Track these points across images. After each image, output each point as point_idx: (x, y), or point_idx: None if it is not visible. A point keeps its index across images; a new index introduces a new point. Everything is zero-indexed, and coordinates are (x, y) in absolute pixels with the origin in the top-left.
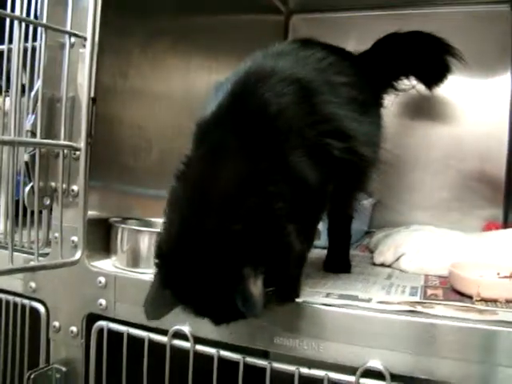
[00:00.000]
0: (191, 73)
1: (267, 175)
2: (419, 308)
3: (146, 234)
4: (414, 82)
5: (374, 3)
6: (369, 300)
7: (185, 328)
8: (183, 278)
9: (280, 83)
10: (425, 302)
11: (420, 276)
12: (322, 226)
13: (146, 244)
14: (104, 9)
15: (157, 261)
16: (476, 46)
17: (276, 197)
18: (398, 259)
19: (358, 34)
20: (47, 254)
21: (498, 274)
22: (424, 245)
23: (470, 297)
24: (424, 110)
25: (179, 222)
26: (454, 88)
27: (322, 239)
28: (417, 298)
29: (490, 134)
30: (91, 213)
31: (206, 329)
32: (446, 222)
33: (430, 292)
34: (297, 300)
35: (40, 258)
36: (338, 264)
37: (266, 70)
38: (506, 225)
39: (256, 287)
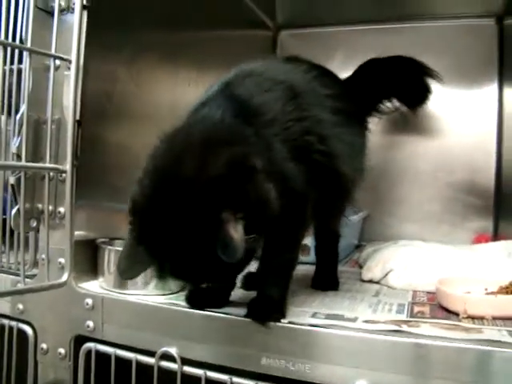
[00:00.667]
0: (178, 88)
1: (247, 137)
2: (405, 327)
3: None
4: (396, 104)
5: (361, 18)
6: (355, 319)
7: (172, 349)
8: (158, 231)
9: (267, 81)
10: (410, 321)
11: (408, 292)
12: (310, 242)
13: None
14: (89, 29)
15: (130, 217)
16: (462, 58)
17: (256, 152)
18: (386, 275)
19: (345, 49)
20: (35, 276)
21: (486, 289)
22: (412, 260)
23: (456, 314)
24: (411, 124)
25: (154, 173)
26: (441, 101)
27: (311, 255)
28: (403, 316)
29: (477, 145)
30: (78, 233)
31: (194, 350)
32: (436, 234)
33: (416, 309)
34: (282, 320)
35: (27, 280)
36: (326, 281)
37: (255, 71)
38: (496, 237)
39: (236, 231)
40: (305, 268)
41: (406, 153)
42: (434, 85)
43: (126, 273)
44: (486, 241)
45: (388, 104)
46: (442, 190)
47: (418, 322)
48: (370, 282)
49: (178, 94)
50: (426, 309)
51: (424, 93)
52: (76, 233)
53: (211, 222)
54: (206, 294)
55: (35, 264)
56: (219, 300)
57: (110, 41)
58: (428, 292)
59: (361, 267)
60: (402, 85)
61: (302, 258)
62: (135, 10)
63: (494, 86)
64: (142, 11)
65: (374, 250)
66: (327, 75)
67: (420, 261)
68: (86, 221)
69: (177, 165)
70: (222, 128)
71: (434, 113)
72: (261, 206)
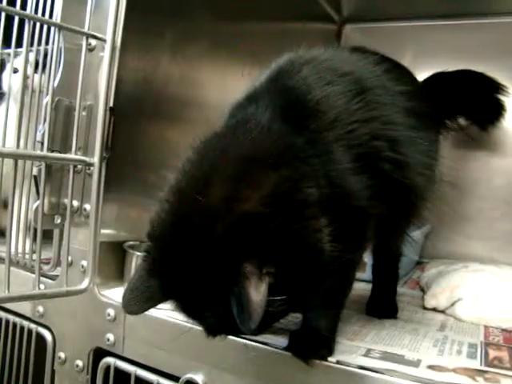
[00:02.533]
0: (229, 79)
1: (299, 151)
2: (481, 380)
3: None
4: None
5: (432, 12)
6: (417, 363)
7: (198, 377)
8: (174, 267)
9: (329, 71)
10: (486, 371)
11: (479, 328)
12: (368, 258)
13: None
14: (129, 9)
15: (147, 242)
16: None
17: (307, 178)
18: (453, 304)
19: (415, 45)
20: (57, 276)
21: None
22: (484, 290)
23: None
24: (485, 137)
25: (176, 195)
26: None
27: (368, 272)
28: (476, 364)
29: None
30: (105, 233)
31: (222, 380)
32: (507, 255)
33: (492, 354)
34: (329, 359)
35: (48, 282)
36: (383, 308)
37: (315, 58)
38: None
39: (257, 291)
40: (360, 286)
41: (478, 164)
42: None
43: (131, 307)
44: None
45: (456, 122)
46: None
47: (497, 375)
48: (434, 310)
49: (228, 86)
50: (504, 354)
51: (497, 111)
52: (103, 232)
53: (230, 272)
54: None
55: (58, 264)
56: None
57: (153, 24)
58: (503, 330)
59: (422, 290)
60: (472, 102)
61: (357, 275)
62: None
63: None
64: None
65: (438, 273)
66: (400, 69)
67: (494, 291)
68: (115, 220)
69: (203, 190)
70: (266, 140)
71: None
72: (306, 258)
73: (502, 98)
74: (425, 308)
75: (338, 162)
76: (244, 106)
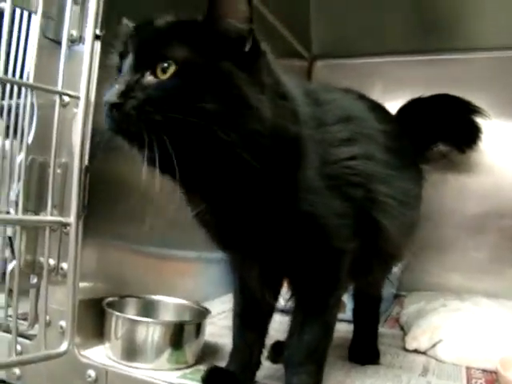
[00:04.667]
0: None
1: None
2: None
3: (143, 325)
4: (445, 148)
5: (398, 49)
6: None
7: None
8: None
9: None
10: None
11: (461, 369)
12: (346, 299)
13: (143, 336)
14: (102, 62)
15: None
16: (506, 92)
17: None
18: (434, 346)
19: (384, 81)
20: (35, 336)
21: None
22: (465, 330)
23: None
24: (458, 161)
25: None
26: (490, 136)
27: (347, 313)
28: None
29: None
30: (83, 290)
31: None
32: (484, 285)
33: None
34: None
35: (25, 342)
36: (365, 353)
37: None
38: None
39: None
40: (340, 327)
41: (452, 193)
42: (483, 121)
43: None
44: None
45: (435, 149)
46: (491, 236)
47: None
48: (415, 351)
49: None
50: None
51: (475, 133)
52: (80, 288)
53: None
54: (226, 374)
55: (35, 322)
56: (242, 381)
57: None
58: (484, 370)
59: (402, 329)
60: (451, 126)
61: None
62: None
63: None
64: None
65: (418, 312)
66: (380, 108)
67: (474, 331)
68: (92, 277)
69: None
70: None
71: (483, 150)
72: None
73: (478, 120)
74: (405, 349)
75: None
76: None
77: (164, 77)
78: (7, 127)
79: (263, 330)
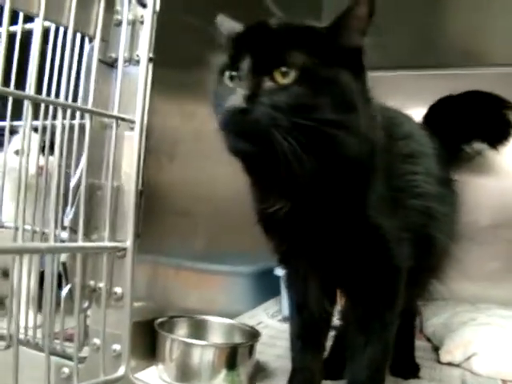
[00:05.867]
0: None
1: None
2: None
3: (198, 348)
4: (479, 146)
5: (396, 63)
6: None
7: None
8: None
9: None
10: None
11: (497, 382)
12: None
13: (198, 358)
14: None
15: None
16: None
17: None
18: (468, 359)
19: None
20: (84, 359)
21: None
22: (497, 344)
23: None
24: (472, 170)
25: None
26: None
27: None
28: None
29: None
30: (134, 312)
31: None
32: (499, 293)
33: None
34: None
35: (71, 364)
36: (406, 367)
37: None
38: None
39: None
40: None
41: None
42: None
43: None
44: None
45: (471, 148)
46: (503, 246)
47: None
48: (449, 364)
49: None
50: None
51: (508, 129)
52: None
53: None
54: None
55: (83, 345)
56: None
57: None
58: None
59: (428, 340)
60: (484, 123)
61: None
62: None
63: None
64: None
65: (445, 325)
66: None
67: (506, 344)
68: (144, 300)
69: None
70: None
71: (496, 161)
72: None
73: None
74: (440, 362)
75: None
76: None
77: (284, 82)
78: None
79: (322, 350)
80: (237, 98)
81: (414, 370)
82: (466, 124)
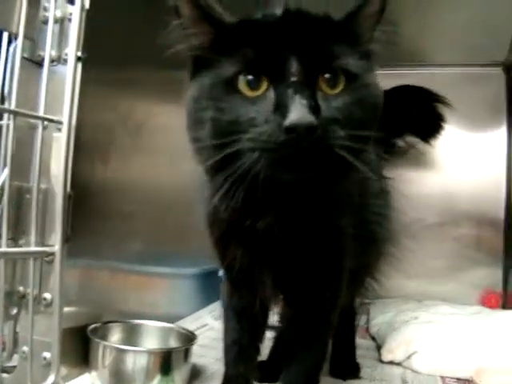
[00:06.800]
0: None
1: None
2: None
3: (131, 354)
4: (409, 140)
5: None
6: None
7: None
8: None
9: None
10: None
11: (436, 379)
12: None
13: (132, 364)
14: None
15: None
16: (469, 106)
17: None
18: (409, 357)
19: None
20: (14, 368)
21: None
22: (437, 342)
23: None
24: (417, 167)
25: None
26: (447, 146)
27: None
28: None
29: (485, 194)
30: (65, 318)
31: None
32: (442, 291)
33: None
34: None
35: (3, 375)
36: (346, 367)
37: None
38: (506, 294)
39: None
40: None
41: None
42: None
43: None
44: (496, 300)
45: (404, 142)
46: (448, 244)
47: None
48: (391, 362)
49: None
50: None
51: (438, 122)
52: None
53: None
54: None
55: (12, 354)
56: None
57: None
58: (458, 379)
59: (373, 339)
60: (414, 116)
61: None
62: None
63: (503, 133)
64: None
65: (389, 324)
66: None
67: (446, 342)
68: (75, 305)
69: None
70: None
71: (441, 160)
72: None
73: (440, 108)
74: (381, 361)
75: None
76: None
77: (335, 91)
78: None
79: (258, 354)
80: (303, 112)
81: (353, 370)
82: (396, 118)
